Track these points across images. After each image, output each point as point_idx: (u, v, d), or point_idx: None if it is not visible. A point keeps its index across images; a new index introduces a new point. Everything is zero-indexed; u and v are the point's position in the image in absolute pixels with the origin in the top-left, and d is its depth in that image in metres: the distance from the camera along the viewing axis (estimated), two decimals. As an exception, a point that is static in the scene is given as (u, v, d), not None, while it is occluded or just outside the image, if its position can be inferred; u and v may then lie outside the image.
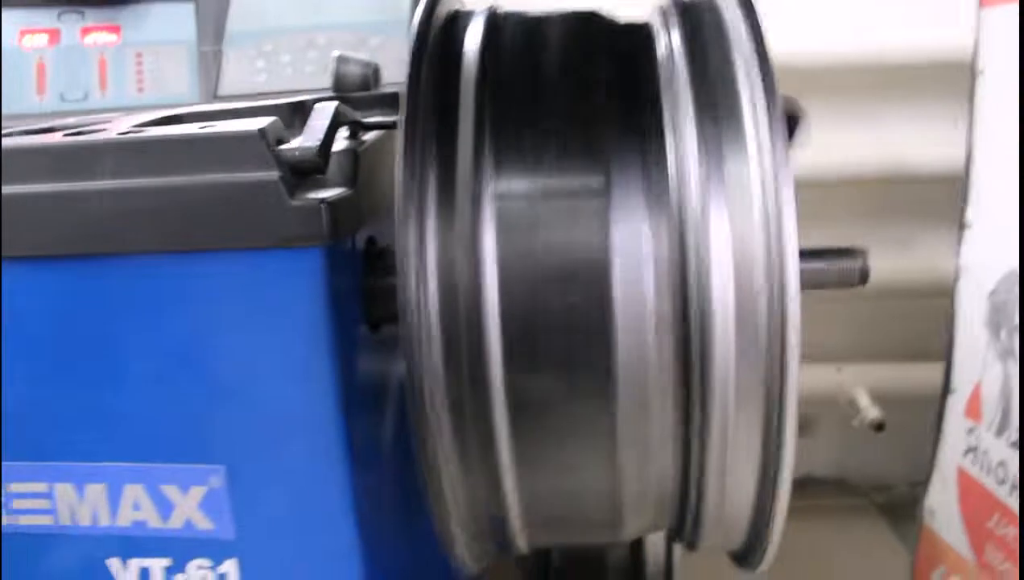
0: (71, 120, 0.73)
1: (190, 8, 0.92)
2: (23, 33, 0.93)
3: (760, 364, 0.49)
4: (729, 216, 0.49)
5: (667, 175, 0.50)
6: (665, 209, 0.49)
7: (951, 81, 1.11)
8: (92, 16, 0.93)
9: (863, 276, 0.59)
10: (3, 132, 0.65)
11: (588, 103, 0.52)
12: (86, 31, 0.93)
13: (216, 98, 0.91)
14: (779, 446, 0.51)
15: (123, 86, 0.92)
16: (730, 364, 0.49)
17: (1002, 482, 0.95)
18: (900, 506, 1.46)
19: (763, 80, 0.50)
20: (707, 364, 0.50)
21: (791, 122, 0.64)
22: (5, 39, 0.93)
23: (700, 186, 0.49)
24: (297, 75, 0.90)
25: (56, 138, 0.57)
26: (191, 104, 0.90)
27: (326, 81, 0.87)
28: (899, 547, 1.36)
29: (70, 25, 0.93)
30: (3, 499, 0.60)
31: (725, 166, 0.49)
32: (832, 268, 0.58)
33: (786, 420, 0.50)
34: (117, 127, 0.60)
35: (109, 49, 0.93)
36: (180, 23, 0.92)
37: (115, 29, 0.93)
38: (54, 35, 0.94)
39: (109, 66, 0.93)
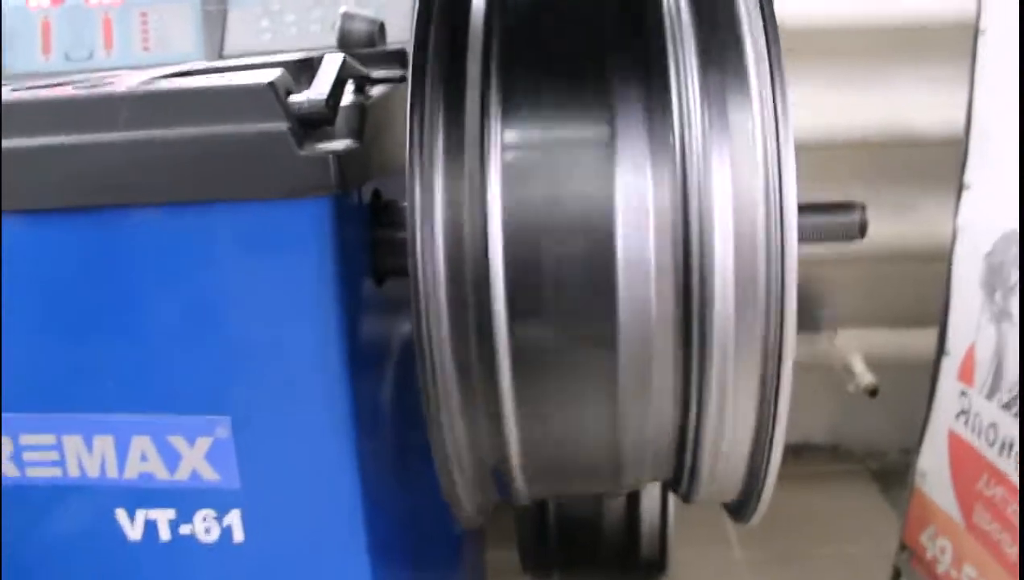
0: (79, 77, 0.73)
1: (195, -34, 0.93)
2: (29, -7, 0.94)
3: (759, 316, 0.50)
4: (731, 169, 0.50)
5: (671, 127, 0.50)
6: (669, 161, 0.50)
7: (955, 44, 1.11)
8: (96, -25, 0.93)
9: (862, 229, 0.60)
10: (13, 89, 0.65)
11: (594, 55, 0.52)
12: (91, -10, 0.94)
13: (221, 57, 0.91)
14: (775, 401, 0.52)
15: (128, 45, 0.92)
16: (729, 316, 0.50)
17: (992, 443, 0.97)
18: (893, 472, 1.48)
19: (766, 32, 0.50)
20: (707, 316, 0.50)
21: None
22: (11, -1, 0.94)
23: (703, 139, 0.50)
24: (302, 34, 0.90)
25: (68, 91, 0.57)
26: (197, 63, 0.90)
27: (331, 40, 0.87)
28: (890, 511, 1.38)
29: (75, -15, 0.94)
30: (14, 451, 0.61)
31: (728, 118, 0.50)
32: (831, 221, 0.59)
33: (783, 372, 0.51)
34: (128, 81, 0.60)
35: (114, 8, 0.93)
36: (184, -19, 0.93)
37: (120, -12, 0.93)
38: (59, -5, 0.94)
39: (114, 25, 0.93)
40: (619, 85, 0.51)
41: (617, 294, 0.50)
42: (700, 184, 0.49)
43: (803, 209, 0.57)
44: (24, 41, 0.93)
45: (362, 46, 0.75)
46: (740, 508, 0.60)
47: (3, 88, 0.66)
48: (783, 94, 0.49)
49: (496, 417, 0.53)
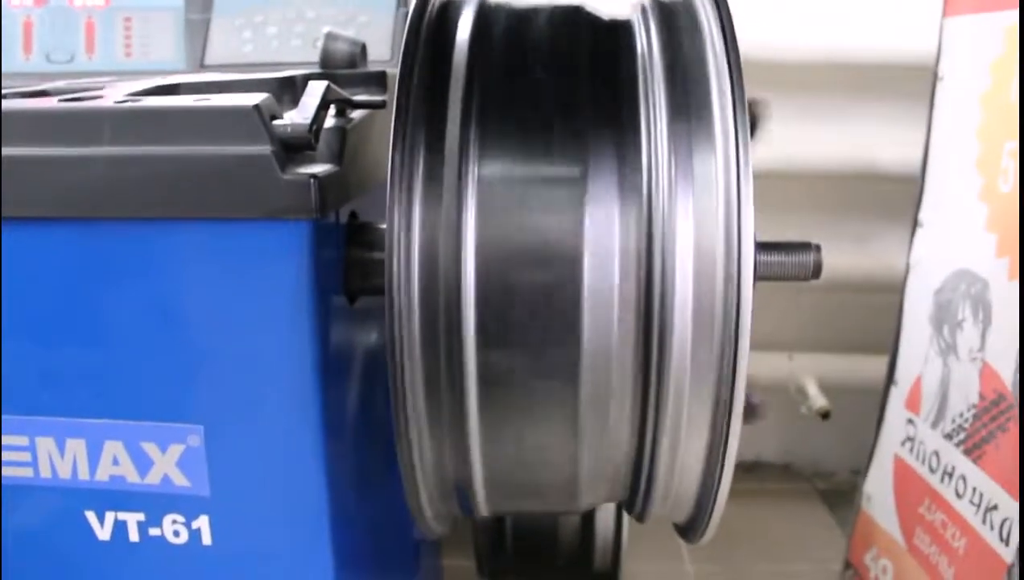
0: (61, 83, 0.74)
1: (179, -26, 0.94)
2: (11, -9, 0.94)
3: (714, 350, 0.53)
4: (694, 210, 0.52)
5: (640, 171, 0.53)
6: (636, 201, 0.53)
7: (916, 85, 1.15)
8: (81, -22, 0.94)
9: (816, 270, 0.63)
10: (-5, 91, 0.66)
11: (570, 96, 0.55)
12: (74, -8, 0.94)
13: (202, 67, 0.92)
14: (727, 427, 0.54)
15: (110, 50, 0.93)
16: (687, 348, 0.53)
17: (934, 470, 1.01)
18: (841, 492, 1.52)
19: (732, 84, 0.53)
20: (665, 347, 0.53)
21: (753, 121, 0.67)
22: (-8, -4, 0.94)
23: (669, 181, 0.53)
24: (283, 47, 0.91)
25: (55, 103, 0.59)
26: (177, 72, 0.92)
27: (311, 55, 0.89)
28: (837, 531, 1.42)
29: (58, -15, 0.94)
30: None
31: (693, 163, 0.53)
32: (787, 261, 0.62)
33: (734, 404, 0.54)
34: (113, 95, 0.62)
35: (97, 12, 0.94)
36: (169, -10, 0.94)
37: (104, -8, 0.94)
38: (41, -6, 0.95)
39: (97, 29, 0.93)
40: (592, 130, 0.53)
41: (581, 325, 0.53)
42: (664, 225, 0.52)
43: (761, 247, 0.61)
44: (5, 40, 0.93)
45: (344, 66, 0.77)
46: (690, 529, 0.63)
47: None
48: (745, 145, 0.52)
49: (461, 437, 0.56)
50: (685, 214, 0.52)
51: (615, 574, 1.22)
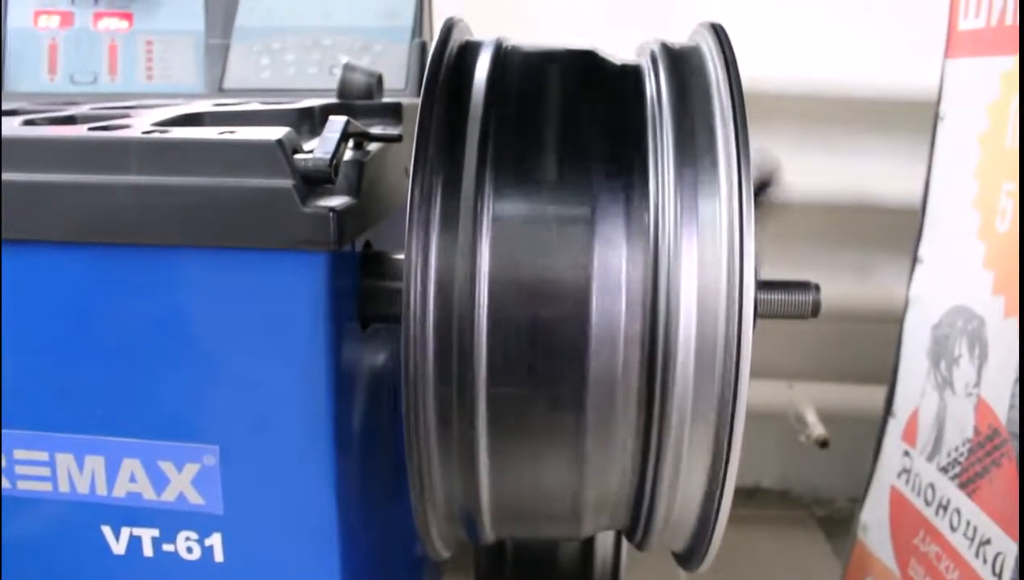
0: (86, 108, 0.76)
1: (200, 0, 0.96)
2: (38, 14, 0.96)
3: (715, 385, 0.55)
4: (698, 252, 0.55)
5: (647, 210, 0.55)
6: (642, 241, 0.55)
7: (917, 120, 1.17)
8: (105, 2, 0.96)
9: (815, 309, 0.65)
10: (23, 117, 0.68)
11: (581, 140, 0.57)
12: (99, 16, 0.96)
13: (221, 91, 0.94)
14: (726, 459, 0.56)
15: (132, 72, 0.95)
16: (688, 384, 0.55)
17: (930, 503, 1.02)
18: (838, 520, 1.53)
19: (737, 130, 0.56)
20: (668, 383, 0.55)
21: (766, 183, 0.70)
22: (20, 19, 0.96)
23: (675, 223, 0.55)
24: (300, 75, 0.94)
25: (84, 132, 0.61)
26: (197, 95, 0.94)
27: (328, 81, 0.91)
28: (833, 559, 1.44)
29: (83, 9, 0.96)
30: (7, 465, 0.64)
31: (698, 206, 0.55)
32: (786, 299, 0.64)
33: (734, 436, 0.56)
34: (139, 124, 0.64)
35: (120, 35, 0.96)
36: (190, 14, 0.96)
37: (127, 16, 0.96)
38: (67, 17, 0.97)
39: (120, 51, 0.95)
40: (602, 172, 0.56)
41: (588, 359, 0.55)
42: (670, 264, 0.54)
43: (762, 286, 0.63)
44: (30, 61, 0.96)
45: (361, 97, 0.80)
46: (689, 557, 0.64)
47: (10, 113, 0.70)
48: (748, 190, 0.54)
49: (471, 466, 0.57)
50: (689, 254, 0.55)
51: (614, 594, 1.23)
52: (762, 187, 0.57)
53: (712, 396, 0.55)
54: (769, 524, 1.56)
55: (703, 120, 0.57)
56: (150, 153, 0.58)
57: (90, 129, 0.62)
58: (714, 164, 0.55)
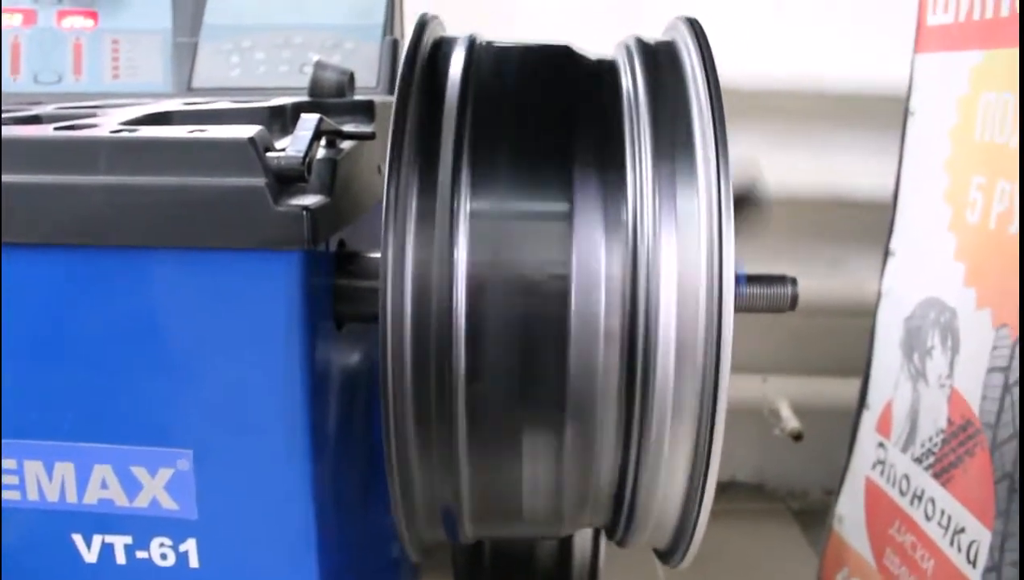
0: (52, 108, 0.75)
1: (168, -2, 0.95)
2: (-1, 12, 0.94)
3: (696, 380, 0.55)
4: (677, 246, 0.54)
5: (625, 205, 0.55)
6: (621, 236, 0.55)
7: (888, 114, 1.18)
8: (69, 0, 0.94)
9: (792, 302, 0.65)
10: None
11: (558, 135, 0.57)
12: (63, 14, 0.94)
13: (189, 90, 0.93)
14: (707, 455, 0.56)
15: (98, 71, 0.93)
16: (669, 379, 0.55)
17: (904, 493, 1.03)
18: (813, 512, 1.55)
19: (715, 125, 0.55)
20: (649, 378, 0.55)
21: (747, 200, 0.70)
22: (-21, 18, 0.94)
23: (653, 217, 0.55)
24: (270, 73, 0.92)
25: (50, 132, 0.60)
26: (165, 95, 0.92)
27: (299, 80, 0.90)
28: (809, 551, 1.45)
29: (47, 7, 0.94)
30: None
31: (676, 201, 0.55)
32: (764, 293, 0.64)
33: (715, 432, 0.56)
34: (107, 124, 0.62)
35: (85, 33, 0.94)
36: (157, 12, 0.94)
37: (92, 14, 0.94)
38: (29, 16, 0.95)
39: (85, 51, 0.94)
40: (579, 167, 0.55)
41: (567, 356, 0.55)
42: (649, 259, 0.54)
43: (740, 280, 0.63)
44: (-8, 61, 0.94)
45: (332, 95, 0.79)
46: (670, 554, 0.64)
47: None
48: (727, 184, 0.54)
49: (450, 465, 0.57)
50: (669, 249, 0.54)
51: (592, 593, 1.23)
52: (740, 204, 0.57)
53: (693, 391, 0.55)
54: (744, 518, 1.57)
55: (680, 113, 0.57)
56: (119, 152, 0.57)
57: (56, 129, 0.61)
58: (692, 157, 0.55)
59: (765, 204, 0.65)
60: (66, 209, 0.57)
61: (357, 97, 0.81)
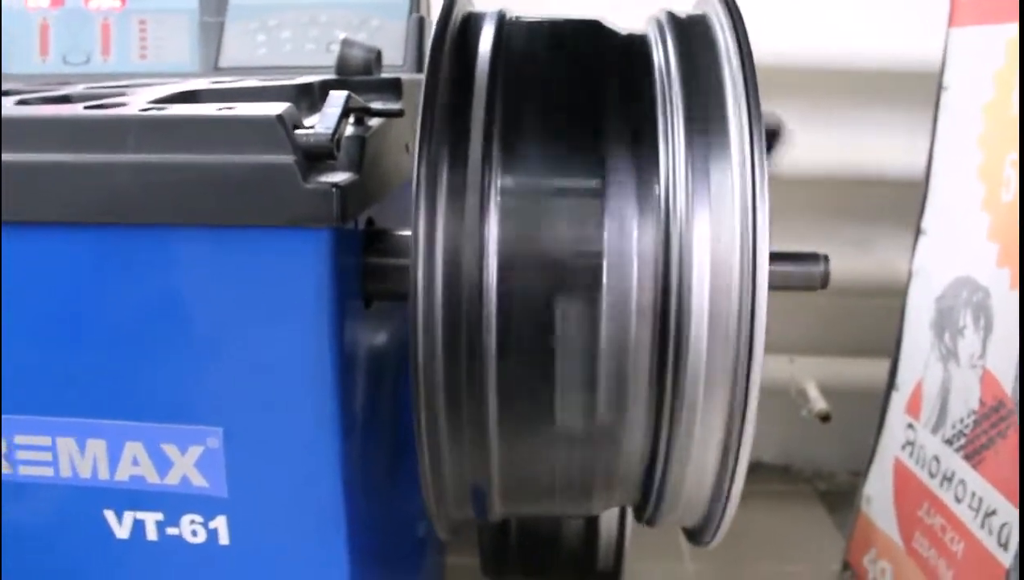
0: (81, 88, 0.75)
1: (193, -22, 0.94)
2: (28, -6, 0.95)
3: (729, 358, 0.54)
4: (711, 222, 0.54)
5: (658, 181, 0.54)
6: (653, 212, 0.54)
7: (920, 91, 1.16)
8: (96, -19, 0.95)
9: (824, 280, 0.64)
10: (17, 96, 0.67)
11: (589, 111, 0.56)
12: (90, -5, 0.95)
13: (216, 70, 0.93)
14: (740, 434, 0.56)
15: (125, 52, 0.94)
16: (702, 357, 0.54)
17: (934, 475, 1.02)
18: (840, 494, 1.53)
19: (748, 99, 0.55)
20: (681, 356, 0.54)
21: (772, 136, 0.69)
22: (10, 0, 0.95)
23: (686, 194, 0.54)
24: (296, 52, 0.92)
25: (80, 110, 0.60)
26: (191, 75, 0.92)
27: (325, 59, 0.90)
28: (835, 532, 1.44)
29: (74, -12, 0.95)
30: (9, 450, 0.63)
31: (710, 176, 0.54)
32: (796, 271, 0.64)
33: (748, 410, 0.55)
34: (136, 102, 0.62)
35: (113, 14, 0.94)
36: (183, -8, 0.94)
37: (119, -5, 0.95)
38: (57, -2, 0.95)
39: (112, 31, 0.94)
40: (611, 144, 0.55)
41: (599, 334, 0.54)
42: (682, 236, 0.53)
43: (772, 257, 0.62)
44: (22, 43, 0.94)
45: (359, 73, 0.78)
46: (700, 533, 0.64)
47: (2, 94, 0.68)
48: (761, 158, 0.53)
49: (481, 442, 0.57)
50: (702, 225, 0.54)
51: (618, 573, 1.23)
52: (769, 140, 0.56)
53: (726, 369, 0.55)
54: (771, 499, 1.56)
55: (713, 88, 0.56)
56: (148, 131, 0.57)
57: (86, 108, 0.61)
58: (725, 133, 0.54)
59: (788, 138, 0.63)
60: (96, 188, 0.57)
61: (384, 75, 0.80)
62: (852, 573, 1.20)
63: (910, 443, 1.08)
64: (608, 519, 1.16)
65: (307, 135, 0.57)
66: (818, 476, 1.63)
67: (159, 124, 0.57)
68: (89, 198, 0.57)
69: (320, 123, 0.58)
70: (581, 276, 0.53)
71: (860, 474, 1.20)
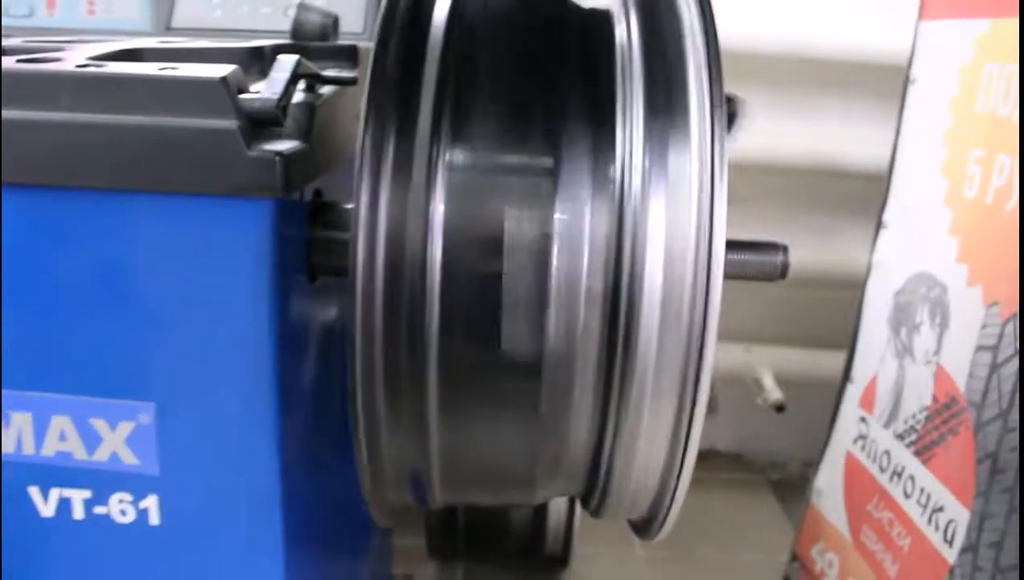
0: (18, 41, 0.71)
1: (146, -69, 0.90)
2: (-33, -61, 0.90)
3: (680, 348, 0.53)
4: (666, 206, 0.52)
5: (613, 162, 0.52)
6: (608, 194, 0.52)
7: (885, 83, 1.16)
8: (42, -72, 0.90)
9: (783, 271, 0.63)
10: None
11: (546, 87, 0.54)
12: (35, -57, 0.91)
13: (168, 30, 0.89)
14: (688, 427, 0.54)
15: (72, 7, 0.89)
16: (651, 345, 0.53)
17: (884, 470, 1.02)
18: (792, 483, 1.54)
19: (711, 82, 0.53)
20: (631, 344, 0.53)
21: (731, 118, 0.67)
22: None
23: (643, 175, 0.52)
24: (252, 15, 0.89)
25: (12, 63, 0.56)
26: (142, 33, 0.89)
27: (282, 23, 0.87)
28: (785, 522, 1.45)
29: (18, -65, 0.91)
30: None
31: (668, 159, 0.52)
32: (754, 260, 0.62)
33: (697, 403, 0.54)
34: (73, 58, 0.59)
35: (59, -34, 0.91)
36: (135, -53, 0.91)
37: (66, -55, 0.91)
38: (0, -56, 0.91)
39: (58, -17, 0.90)
40: (567, 121, 0.53)
41: (547, 318, 0.52)
42: (636, 219, 0.52)
43: (729, 246, 0.60)
44: (-40, -9, 0.90)
45: (315, 39, 0.75)
46: (645, 526, 0.63)
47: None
48: (721, 143, 0.52)
49: (420, 427, 0.55)
50: (657, 209, 0.52)
51: (566, 557, 1.23)
52: (728, 119, 0.54)
53: (677, 359, 0.53)
54: (723, 487, 1.56)
55: (676, 67, 0.54)
56: (83, 88, 0.54)
57: (19, 61, 0.58)
58: (686, 115, 0.52)
59: (748, 121, 0.61)
60: (25, 147, 0.54)
61: (341, 42, 0.77)
62: (800, 564, 1.20)
63: (862, 437, 1.08)
64: (557, 504, 1.15)
65: (252, 100, 0.54)
66: (771, 465, 1.64)
67: (96, 81, 0.54)
68: (17, 157, 0.54)
69: (267, 88, 0.55)
70: (529, 258, 0.51)
71: (812, 465, 1.20)
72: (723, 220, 0.52)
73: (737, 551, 1.39)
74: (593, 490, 0.60)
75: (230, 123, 0.53)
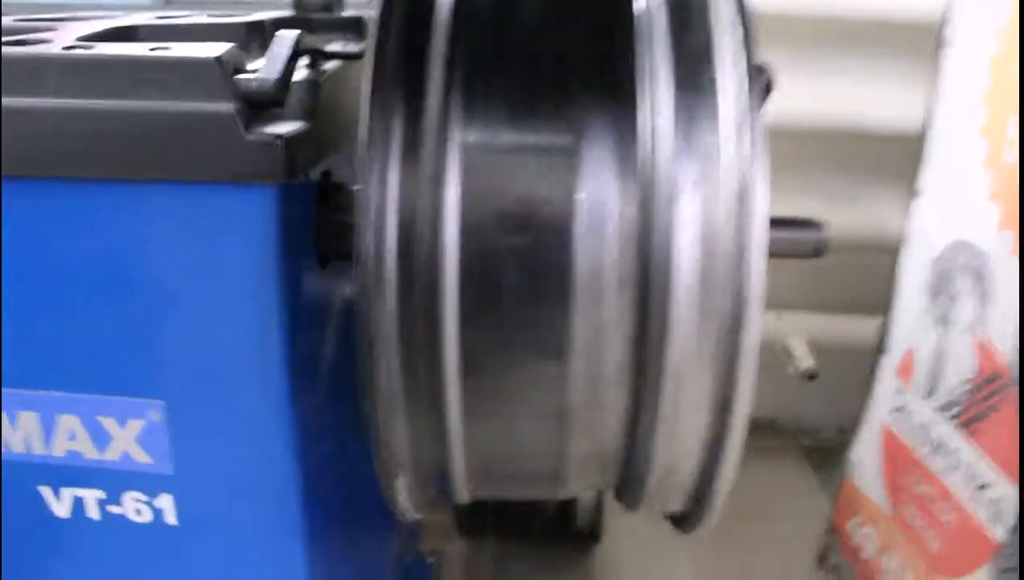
0: (9, 19, 0.68)
1: (143, -98, 0.87)
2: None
3: (717, 333, 0.49)
4: (698, 181, 0.48)
5: (640, 136, 0.49)
6: (633, 173, 0.49)
7: (916, 43, 1.11)
8: (37, -98, 0.87)
9: (818, 250, 0.59)
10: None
11: (564, 57, 0.50)
12: (29, -84, 0.87)
13: (168, 3, 0.86)
14: (729, 417, 0.51)
15: (68, -19, 0.87)
16: (687, 330, 0.49)
17: (923, 443, 0.99)
18: (825, 450, 1.51)
19: (743, 52, 0.49)
20: (662, 330, 0.49)
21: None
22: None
23: (671, 150, 0.48)
24: (256, -14, 0.85)
25: (-3, 47, 0.53)
26: (140, 7, 0.85)
27: (285, -5, 0.83)
28: (820, 490, 1.42)
29: (9, -92, 0.87)
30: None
31: (699, 131, 0.48)
32: (791, 238, 0.58)
33: (739, 392, 0.50)
34: (62, 39, 0.56)
35: (54, -61, 0.88)
36: (132, -82, 0.87)
37: (62, -83, 0.87)
38: (-7, -83, 0.87)
39: (53, -43, 0.87)
40: (588, 93, 0.49)
41: (572, 301, 0.49)
42: (666, 197, 0.48)
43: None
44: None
45: (318, 10, 0.72)
46: (685, 520, 0.60)
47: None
48: (756, 113, 0.48)
49: (441, 420, 0.52)
50: (688, 185, 0.48)
51: (597, 533, 1.21)
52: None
53: (714, 344, 0.49)
54: (757, 456, 1.52)
55: (703, 34, 0.50)
56: (70, 72, 0.51)
57: (4, 44, 0.55)
58: (715, 83, 0.49)
59: (771, 82, 0.57)
60: (10, 135, 0.51)
61: (346, 13, 0.74)
62: (837, 537, 1.17)
63: (899, 409, 1.05)
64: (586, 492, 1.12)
65: (249, 80, 0.51)
66: (803, 432, 1.60)
67: (83, 65, 0.51)
68: (5, 148, 0.51)
69: (265, 66, 0.52)
70: (551, 241, 0.48)
71: (846, 431, 1.17)
72: (764, 199, 0.48)
73: (772, 522, 1.36)
74: (628, 483, 0.57)
75: (226, 106, 0.50)
